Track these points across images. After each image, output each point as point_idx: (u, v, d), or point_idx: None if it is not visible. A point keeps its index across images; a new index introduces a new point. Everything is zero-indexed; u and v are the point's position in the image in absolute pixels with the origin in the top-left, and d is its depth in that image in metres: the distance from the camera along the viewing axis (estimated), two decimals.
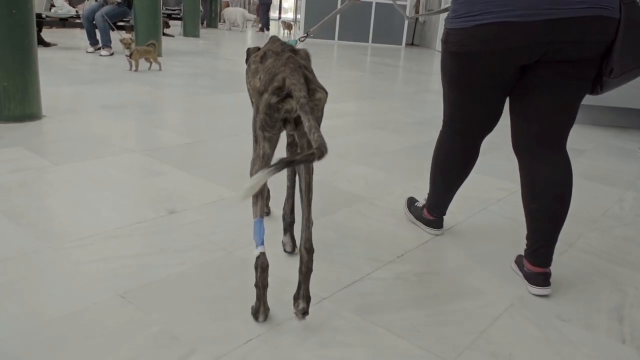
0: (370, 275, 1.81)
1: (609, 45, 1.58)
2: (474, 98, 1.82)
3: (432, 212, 2.18)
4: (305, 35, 2.12)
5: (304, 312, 1.49)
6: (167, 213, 2.17)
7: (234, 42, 11.89)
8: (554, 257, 1.82)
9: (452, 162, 2.03)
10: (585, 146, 3.98)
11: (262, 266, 1.47)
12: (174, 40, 10.45)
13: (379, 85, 6.59)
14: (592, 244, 2.22)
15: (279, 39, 1.70)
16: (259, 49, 1.85)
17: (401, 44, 13.87)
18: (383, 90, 6.19)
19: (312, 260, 1.51)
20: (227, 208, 2.28)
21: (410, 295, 1.71)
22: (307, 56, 1.61)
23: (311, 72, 1.51)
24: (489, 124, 1.92)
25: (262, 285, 1.49)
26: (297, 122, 1.45)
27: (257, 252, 1.47)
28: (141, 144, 3.15)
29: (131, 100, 4.42)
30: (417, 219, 2.24)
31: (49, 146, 2.97)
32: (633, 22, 1.56)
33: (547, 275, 1.78)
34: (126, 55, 5.96)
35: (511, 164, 2.07)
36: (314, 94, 1.45)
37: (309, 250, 1.50)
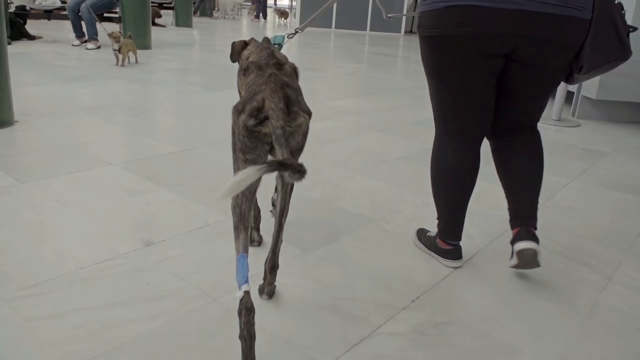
0: (381, 329, 1.51)
1: (579, 48, 1.59)
2: (455, 88, 1.70)
3: (446, 239, 1.88)
4: (294, 32, 1.99)
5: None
6: (142, 245, 1.87)
7: (228, 32, 11.51)
8: (595, 295, 1.65)
9: (451, 171, 1.79)
10: (606, 148, 3.68)
11: (246, 307, 1.22)
12: (165, 31, 10.09)
13: (379, 79, 6.26)
14: (633, 276, 1.93)
15: (268, 44, 1.53)
16: (245, 43, 1.75)
17: (400, 32, 13.51)
18: (384, 85, 5.86)
19: (275, 276, 1.59)
20: (213, 237, 1.98)
21: (430, 358, 1.42)
22: (293, 72, 1.44)
23: (296, 90, 1.34)
24: (481, 121, 1.77)
25: (248, 335, 1.22)
26: None
27: (240, 293, 1.23)
28: (121, 154, 2.84)
29: (115, 101, 4.10)
30: (430, 249, 1.94)
31: (16, 159, 2.66)
32: (605, 18, 1.56)
33: (531, 233, 1.72)
34: (114, 50, 5.64)
35: None
36: (295, 118, 1.30)
37: (272, 269, 1.56)
